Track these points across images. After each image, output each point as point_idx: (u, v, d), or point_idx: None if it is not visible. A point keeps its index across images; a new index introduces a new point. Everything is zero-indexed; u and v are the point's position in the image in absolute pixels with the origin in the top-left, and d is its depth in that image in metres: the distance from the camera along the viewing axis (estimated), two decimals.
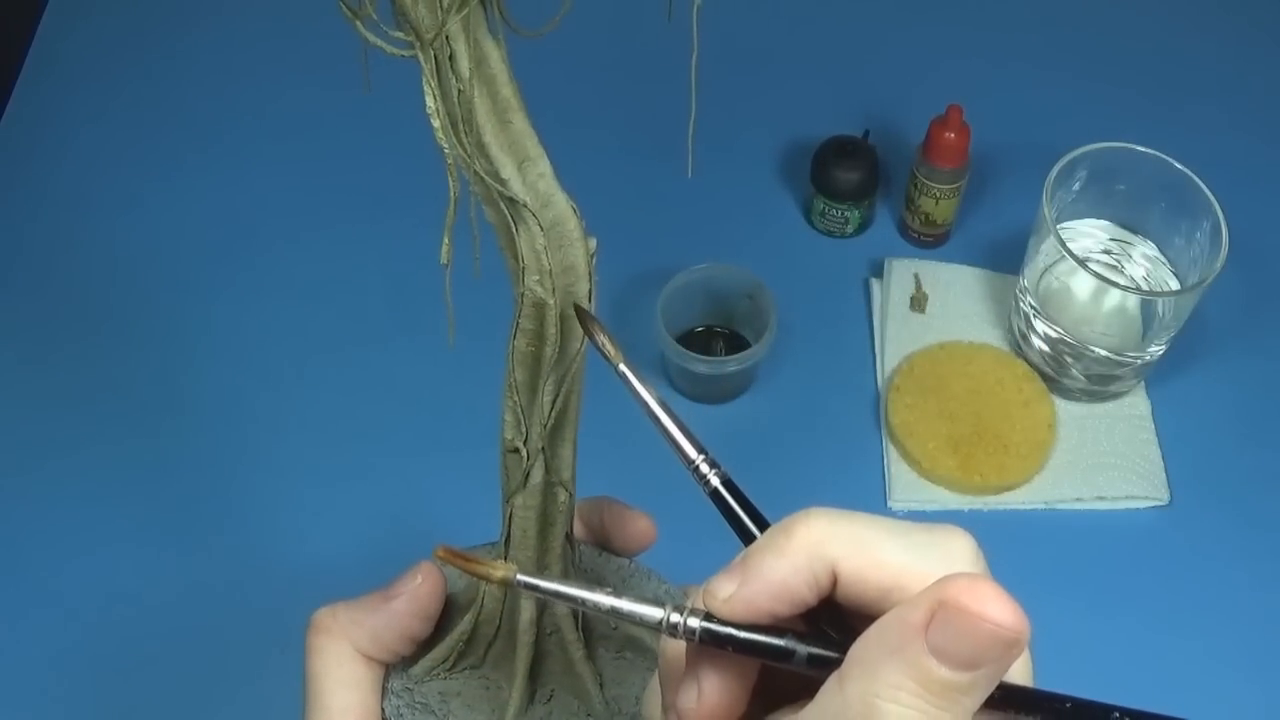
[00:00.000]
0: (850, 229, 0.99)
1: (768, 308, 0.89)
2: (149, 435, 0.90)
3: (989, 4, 1.14)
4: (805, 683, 0.28)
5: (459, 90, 0.31)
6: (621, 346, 0.34)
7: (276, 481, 0.88)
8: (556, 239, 0.33)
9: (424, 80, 0.31)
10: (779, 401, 0.92)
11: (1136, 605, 0.84)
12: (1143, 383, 0.92)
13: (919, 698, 0.26)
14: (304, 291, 0.97)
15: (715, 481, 0.32)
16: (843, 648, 0.27)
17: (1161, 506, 0.88)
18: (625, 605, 0.29)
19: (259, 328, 0.95)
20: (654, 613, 0.29)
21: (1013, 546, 0.82)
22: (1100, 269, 0.86)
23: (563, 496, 0.39)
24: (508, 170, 0.32)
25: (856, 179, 0.96)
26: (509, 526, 0.39)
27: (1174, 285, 0.90)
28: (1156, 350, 0.88)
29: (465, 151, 0.32)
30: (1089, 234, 0.93)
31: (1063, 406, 0.91)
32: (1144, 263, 0.92)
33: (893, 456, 0.89)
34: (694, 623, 0.29)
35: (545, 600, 0.40)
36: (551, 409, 0.36)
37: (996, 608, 0.25)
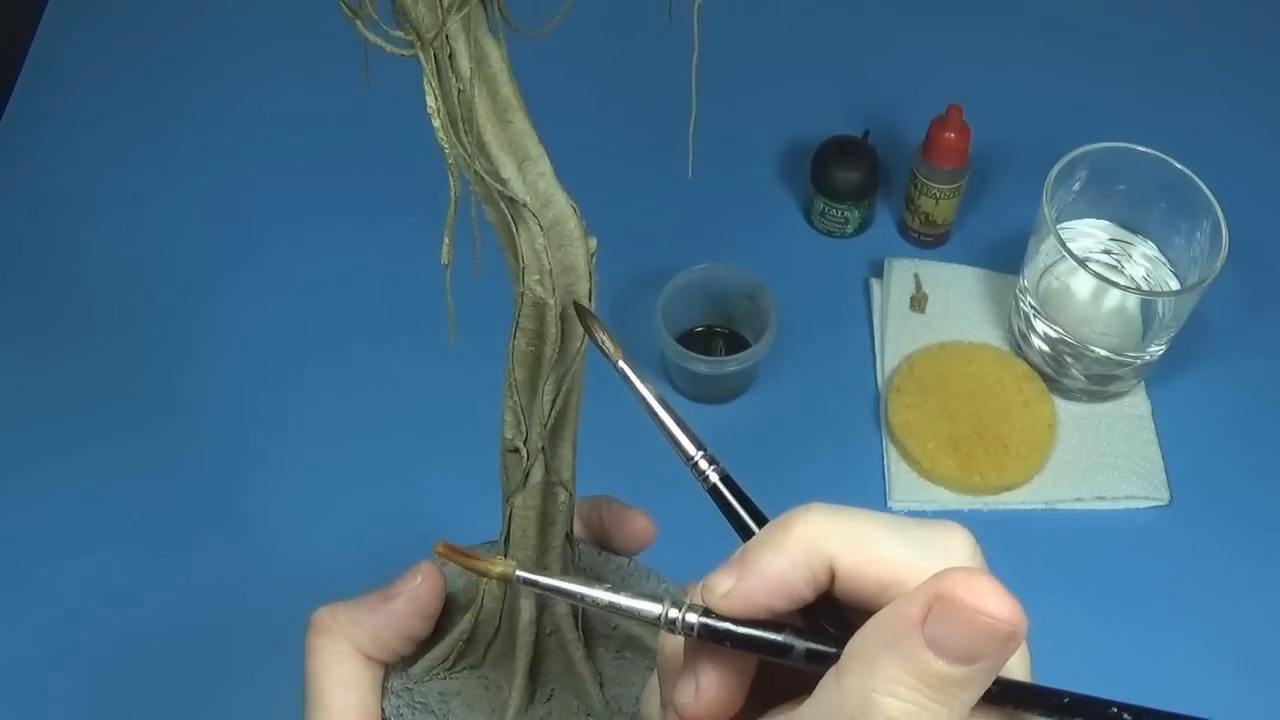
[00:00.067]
0: (850, 229, 0.99)
1: (768, 308, 0.89)
2: (149, 435, 0.90)
3: (989, 4, 1.14)
4: (803, 680, 0.28)
5: (459, 90, 0.31)
6: (621, 345, 0.34)
7: (276, 481, 0.88)
8: (557, 238, 0.34)
9: (424, 80, 0.31)
10: (779, 401, 0.92)
11: (1136, 605, 0.84)
12: (1143, 383, 0.92)
13: (916, 692, 0.26)
14: (304, 291, 0.97)
15: (714, 477, 0.32)
16: (840, 643, 0.27)
17: (1161, 506, 0.88)
18: (623, 601, 0.29)
19: (259, 328, 0.95)
20: (652, 608, 0.29)
21: (1013, 546, 0.82)
22: (1100, 269, 0.86)
23: (562, 496, 0.39)
24: (508, 170, 0.32)
25: (856, 179, 0.96)
26: (509, 526, 0.39)
27: (1174, 285, 0.90)
28: (1156, 350, 0.88)
29: (465, 151, 0.32)
30: (1089, 234, 0.93)
31: (1063, 406, 0.91)
32: (1144, 263, 0.92)
33: (893, 456, 0.89)
34: (692, 618, 0.29)
35: (545, 600, 0.40)
36: (551, 408, 0.36)
37: (993, 601, 0.25)
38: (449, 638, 0.41)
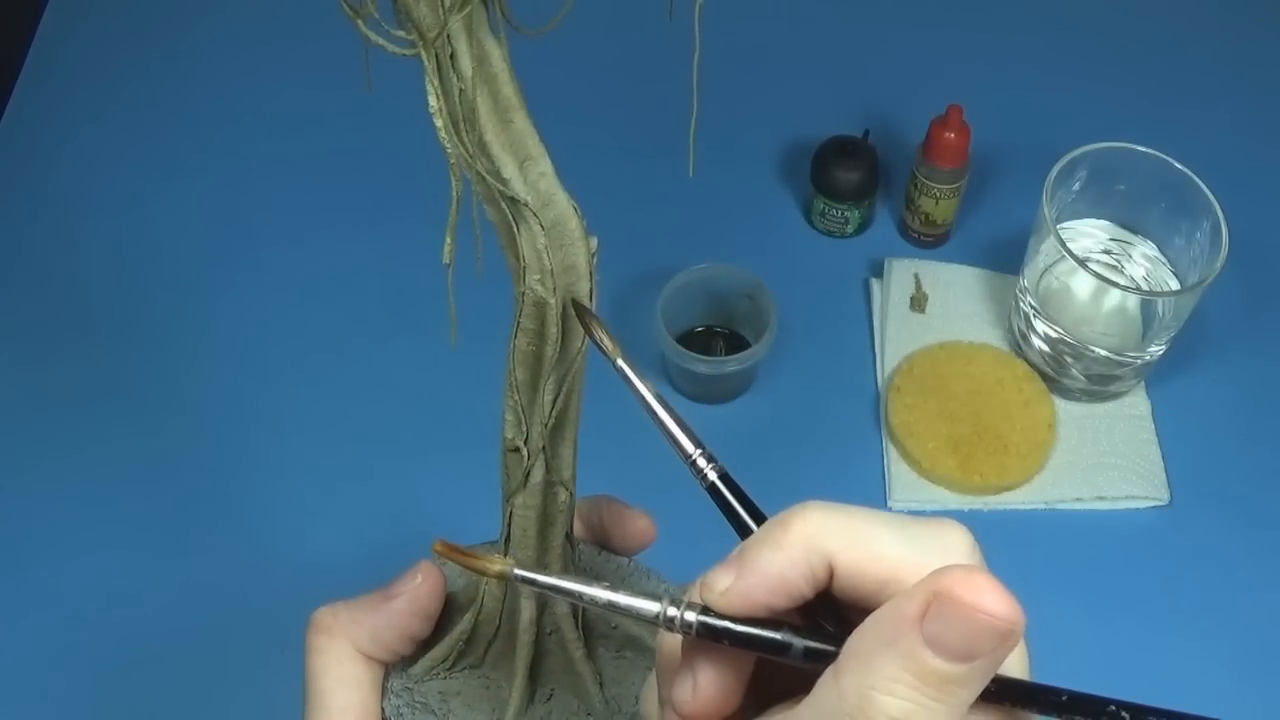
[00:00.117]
0: (850, 229, 0.99)
1: (768, 308, 0.89)
2: (149, 435, 0.90)
3: (989, 5, 1.14)
4: (802, 678, 0.28)
5: (460, 89, 0.31)
6: (620, 343, 0.34)
7: (276, 481, 0.88)
8: (557, 238, 0.34)
9: (426, 79, 0.31)
10: (779, 401, 0.92)
11: (1136, 605, 0.84)
12: (1143, 383, 0.92)
13: (915, 690, 0.26)
14: (304, 291, 0.97)
15: (712, 475, 0.32)
16: (839, 641, 0.27)
17: (1161, 506, 0.88)
18: (622, 599, 0.29)
19: (259, 328, 0.95)
20: (650, 606, 0.29)
21: (1012, 546, 0.82)
22: (1100, 269, 0.86)
23: (563, 496, 0.39)
24: (509, 169, 0.32)
25: (856, 179, 0.96)
26: (509, 526, 0.39)
27: (1174, 285, 0.90)
28: (1156, 350, 0.88)
29: (467, 151, 0.32)
30: (1089, 234, 0.93)
31: (1063, 406, 0.91)
32: (1144, 263, 0.92)
33: (893, 456, 0.89)
34: (690, 616, 0.29)
35: (545, 599, 0.40)
36: (552, 408, 0.36)
37: (991, 599, 0.25)
38: (449, 638, 0.41)
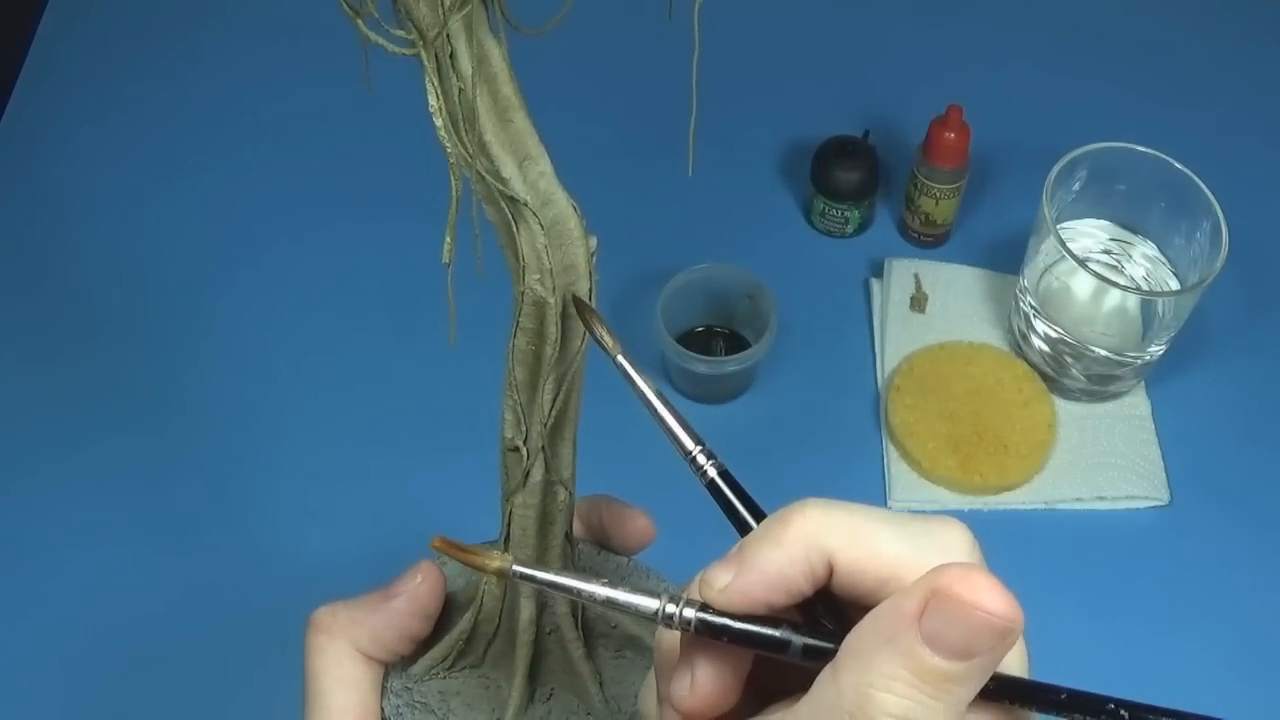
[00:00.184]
0: (850, 229, 0.99)
1: (768, 308, 0.89)
2: (149, 435, 0.90)
3: (989, 5, 1.14)
4: (801, 676, 0.28)
5: (460, 89, 0.31)
6: (620, 340, 0.34)
7: (276, 481, 0.88)
8: (557, 238, 0.34)
9: (426, 79, 0.31)
10: (779, 401, 0.92)
11: (1136, 605, 0.84)
12: (1143, 383, 0.92)
13: (913, 687, 0.26)
14: (304, 291, 0.97)
15: (712, 472, 0.32)
16: (838, 639, 0.27)
17: (1161, 506, 0.88)
18: (621, 596, 0.29)
19: (259, 328, 0.95)
20: (649, 603, 0.29)
21: (1012, 546, 0.82)
22: (1100, 269, 0.86)
23: (562, 495, 0.39)
24: (508, 169, 0.32)
25: (856, 179, 0.96)
26: (508, 525, 0.39)
27: (1174, 285, 0.90)
28: (1156, 350, 0.88)
29: (467, 150, 0.32)
30: (1089, 234, 0.93)
31: (1063, 406, 0.91)
32: (1144, 263, 0.92)
33: (893, 456, 0.89)
34: (689, 613, 0.29)
35: (545, 599, 0.40)
36: (552, 408, 0.36)
37: (990, 597, 0.25)
38: (449, 637, 0.41)
